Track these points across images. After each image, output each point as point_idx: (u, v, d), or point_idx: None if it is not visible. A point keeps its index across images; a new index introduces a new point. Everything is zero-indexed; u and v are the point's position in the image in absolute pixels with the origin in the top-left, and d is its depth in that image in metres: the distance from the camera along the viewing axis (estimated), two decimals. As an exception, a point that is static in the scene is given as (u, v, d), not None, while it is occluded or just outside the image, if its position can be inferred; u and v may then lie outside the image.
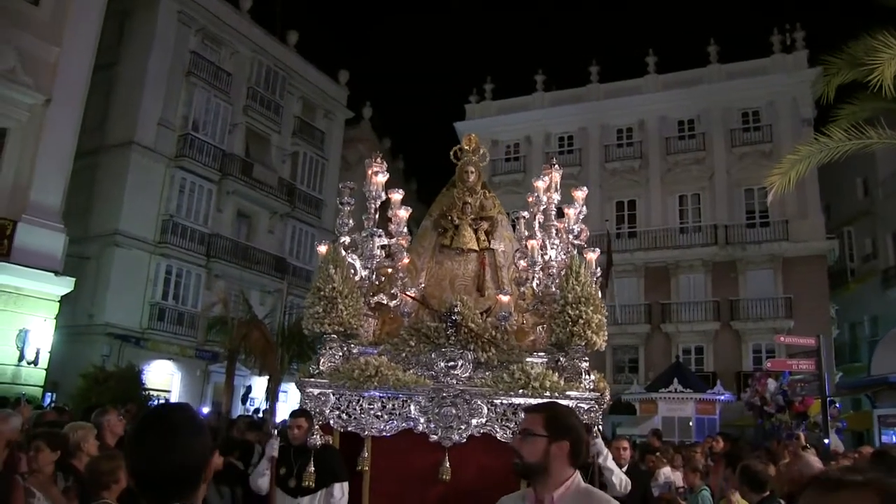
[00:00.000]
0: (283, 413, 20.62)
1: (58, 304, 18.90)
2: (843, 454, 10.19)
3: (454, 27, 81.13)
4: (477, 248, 7.54)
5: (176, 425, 2.01)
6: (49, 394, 20.17)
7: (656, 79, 34.93)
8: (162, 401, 21.78)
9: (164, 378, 25.52)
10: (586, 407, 5.99)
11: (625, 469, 6.63)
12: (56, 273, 18.56)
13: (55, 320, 18.82)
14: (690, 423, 23.50)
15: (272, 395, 17.59)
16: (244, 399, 25.99)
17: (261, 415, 20.75)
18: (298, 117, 34.16)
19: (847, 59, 13.04)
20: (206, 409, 22.56)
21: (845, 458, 8.76)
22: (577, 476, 2.91)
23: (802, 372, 16.23)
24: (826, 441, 14.01)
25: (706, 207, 32.95)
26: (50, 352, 18.59)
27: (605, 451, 6.13)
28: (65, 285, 18.95)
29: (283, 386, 22.66)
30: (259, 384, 25.90)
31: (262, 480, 6.30)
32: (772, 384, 18.10)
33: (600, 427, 6.15)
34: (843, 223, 36.41)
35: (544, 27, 75.62)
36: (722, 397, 24.28)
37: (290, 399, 25.44)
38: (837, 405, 18.53)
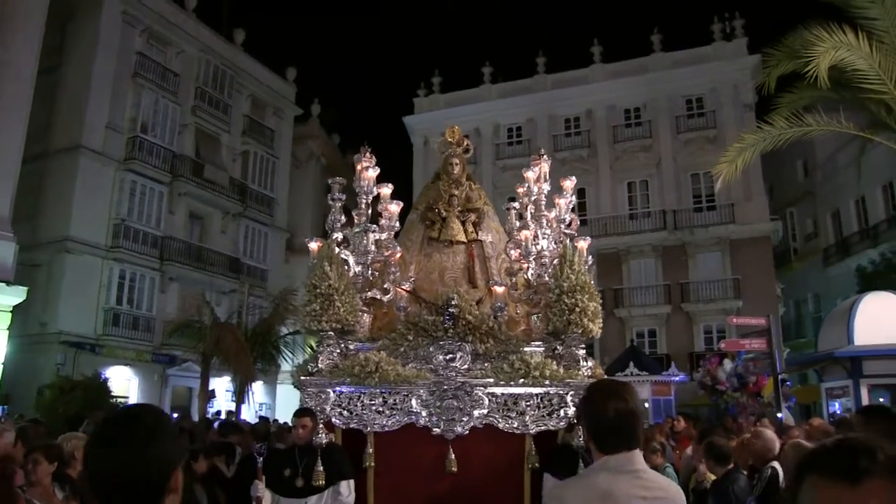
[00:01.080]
0: (244, 414, 20.62)
1: (10, 314, 18.62)
2: (797, 425, 10.68)
3: (401, 21, 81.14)
4: (465, 240, 7.57)
5: (142, 428, 1.80)
6: (1, 406, 19.89)
7: (602, 68, 35.45)
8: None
9: (121, 384, 25.22)
10: None
11: None
12: (7, 283, 18.28)
13: (7, 331, 18.54)
14: (647, 405, 24.07)
15: (239, 396, 17.63)
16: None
17: (223, 416, 20.70)
18: (248, 116, 33.94)
19: (785, 51, 13.59)
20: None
21: (798, 430, 9.21)
22: (602, 462, 2.63)
23: (754, 351, 16.79)
24: (779, 416, 14.58)
25: (654, 193, 33.60)
26: (3, 363, 18.32)
27: None
28: (17, 295, 18.64)
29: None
30: (219, 385, 25.80)
31: None
32: (727, 365, 18.63)
33: None
34: (785, 204, 37.60)
35: (490, 20, 76.07)
36: (676, 378, 24.87)
37: (252, 399, 25.41)
38: (788, 382, 19.20)
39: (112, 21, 27.36)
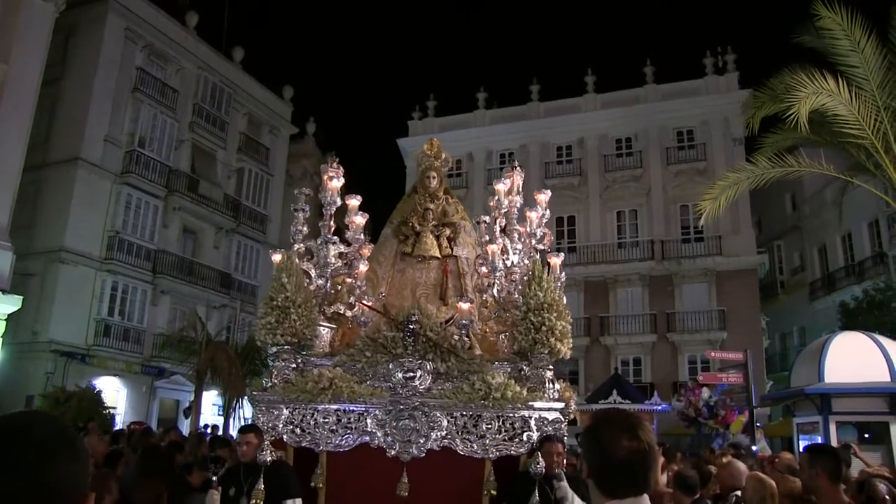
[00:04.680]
0: (231, 429, 20.85)
1: (5, 322, 18.82)
2: (768, 459, 11.02)
3: (398, 45, 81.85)
4: (439, 256, 7.36)
5: (33, 445, 1.43)
6: (-10, 413, 19.97)
7: (595, 98, 35.93)
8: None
9: (109, 394, 25.37)
10: (551, 418, 5.79)
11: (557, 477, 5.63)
12: (3, 292, 18.51)
13: (1, 339, 18.75)
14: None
15: (227, 411, 17.90)
16: (186, 413, 25.97)
17: (209, 430, 20.87)
18: (244, 133, 34.34)
19: (769, 93, 14.07)
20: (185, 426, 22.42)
21: (769, 463, 9.52)
22: None
23: (732, 384, 17.19)
24: (754, 448, 14.93)
25: (643, 223, 33.96)
26: (-3, 370, 18.54)
27: (571, 494, 5.44)
28: (12, 304, 18.87)
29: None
30: (206, 399, 25.95)
31: None
32: (705, 393, 18.99)
33: (562, 472, 5.54)
34: (773, 237, 38.08)
35: (486, 46, 76.84)
36: (659, 407, 25.13)
37: (241, 414, 25.64)
38: (759, 424, 19.52)
39: (114, 37, 27.79)
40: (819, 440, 11.59)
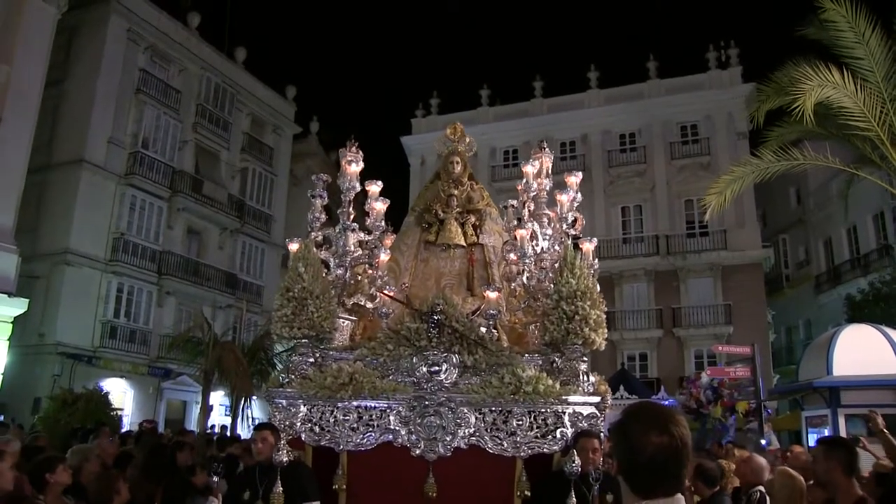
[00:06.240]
0: (239, 429, 20.85)
1: (11, 325, 18.83)
2: (779, 451, 11.01)
3: (401, 43, 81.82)
4: (464, 244, 7.08)
5: None
6: (-2, 415, 20.06)
7: (598, 94, 35.89)
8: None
9: (116, 396, 25.34)
10: (586, 413, 5.51)
11: (594, 476, 5.26)
12: (9, 294, 18.52)
13: (8, 341, 18.76)
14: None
15: (234, 412, 17.85)
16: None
17: (216, 431, 20.86)
18: (247, 133, 34.31)
19: (774, 87, 14.06)
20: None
21: (782, 456, 9.50)
22: None
23: (739, 378, 17.14)
24: (763, 441, 14.91)
25: (648, 218, 33.95)
26: (3, 373, 18.53)
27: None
28: (18, 306, 18.86)
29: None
30: (213, 400, 25.94)
31: None
32: (704, 378, 18.90)
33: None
34: (778, 231, 38.05)
35: (489, 43, 76.77)
36: (666, 403, 25.11)
37: (250, 415, 25.62)
38: (768, 410, 19.50)
39: (117, 38, 27.76)
40: (827, 433, 11.61)
